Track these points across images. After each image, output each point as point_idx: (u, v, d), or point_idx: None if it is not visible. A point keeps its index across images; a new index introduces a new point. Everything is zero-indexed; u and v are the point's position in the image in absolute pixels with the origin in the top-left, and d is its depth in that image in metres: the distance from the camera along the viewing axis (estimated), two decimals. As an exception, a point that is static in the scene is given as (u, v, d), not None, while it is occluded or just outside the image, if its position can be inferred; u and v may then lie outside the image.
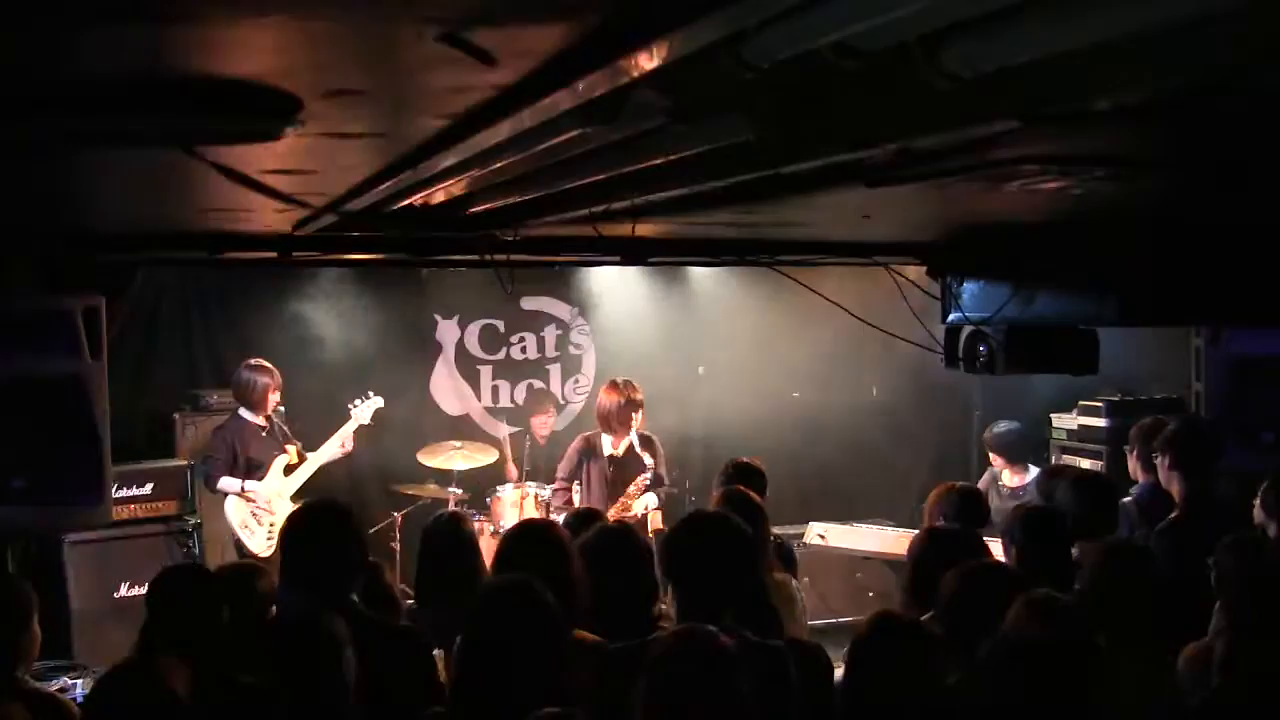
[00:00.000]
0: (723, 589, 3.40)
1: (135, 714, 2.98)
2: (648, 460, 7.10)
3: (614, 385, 7.34)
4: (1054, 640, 2.97)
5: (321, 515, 3.74)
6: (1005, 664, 2.93)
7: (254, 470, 7.05)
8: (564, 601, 3.30)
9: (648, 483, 7.11)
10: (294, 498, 7.00)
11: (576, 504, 7.14)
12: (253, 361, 7.20)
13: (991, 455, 7.29)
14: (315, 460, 7.24)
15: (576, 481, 7.40)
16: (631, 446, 7.17)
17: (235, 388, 7.20)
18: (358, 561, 3.72)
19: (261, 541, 6.95)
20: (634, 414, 7.16)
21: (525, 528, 4.26)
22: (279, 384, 7.17)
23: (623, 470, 7.21)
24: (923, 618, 3.66)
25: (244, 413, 7.13)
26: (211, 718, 3.17)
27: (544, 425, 8.40)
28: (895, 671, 3.07)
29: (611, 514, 6.93)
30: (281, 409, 7.54)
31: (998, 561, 4.14)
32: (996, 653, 3.03)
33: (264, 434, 7.15)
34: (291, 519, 3.82)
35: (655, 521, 7.25)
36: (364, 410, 7.44)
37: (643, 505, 7.18)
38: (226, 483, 7.00)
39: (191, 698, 3.02)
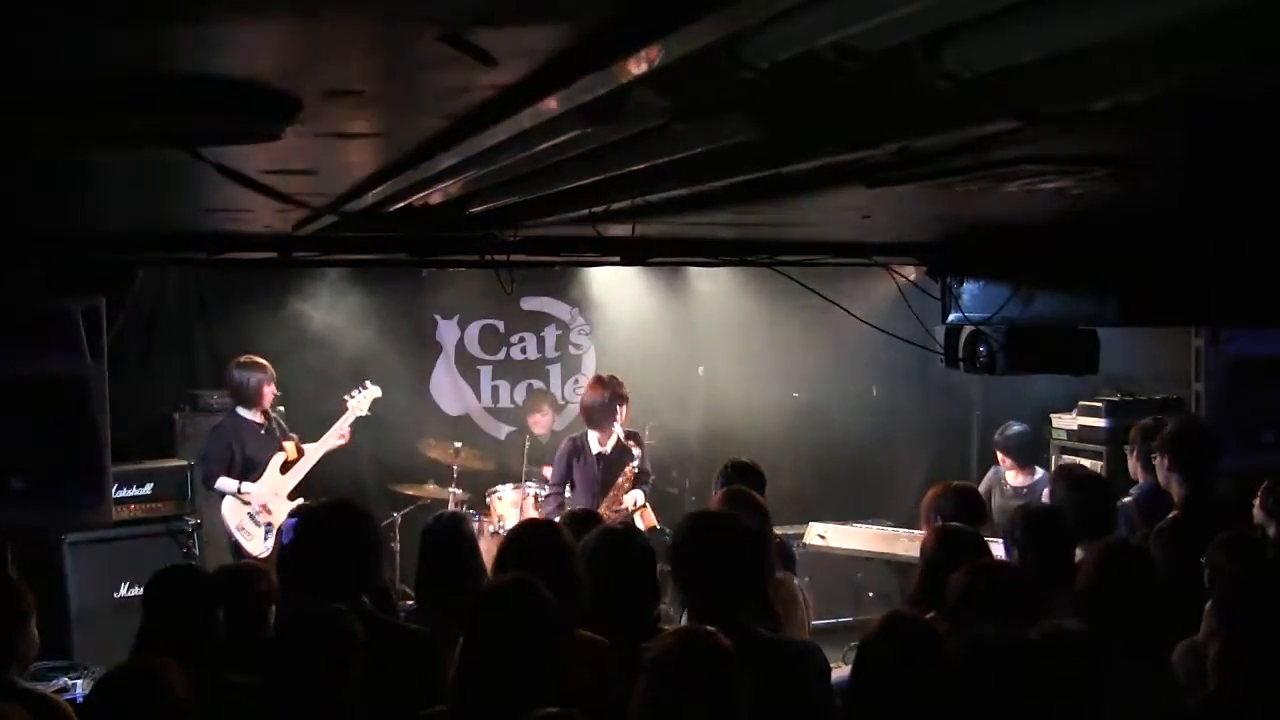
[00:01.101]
0: (733, 589, 3.42)
1: (134, 716, 2.98)
2: (635, 452, 7.08)
3: (599, 380, 7.30)
4: (1053, 640, 2.97)
5: (339, 515, 3.79)
6: (1006, 663, 2.93)
7: (251, 470, 7.01)
8: (565, 601, 3.31)
9: (635, 472, 7.08)
10: (290, 495, 6.99)
11: (566, 506, 7.11)
12: (243, 359, 7.15)
13: (1000, 456, 7.28)
14: (315, 452, 7.19)
15: (567, 484, 7.33)
16: (619, 443, 7.13)
17: (230, 387, 7.16)
18: (372, 562, 3.75)
19: (260, 544, 6.93)
20: (619, 408, 7.09)
21: (527, 527, 4.27)
22: (274, 377, 7.13)
23: (611, 468, 7.16)
24: (927, 616, 3.66)
25: (241, 411, 7.09)
26: (210, 719, 3.17)
27: (540, 424, 8.38)
28: (905, 672, 3.08)
29: (603, 510, 6.92)
30: (281, 409, 7.53)
31: (1006, 561, 4.15)
32: (997, 651, 3.03)
33: (262, 431, 7.11)
34: (309, 516, 3.84)
35: (647, 518, 7.23)
36: (361, 400, 7.39)
37: (631, 500, 7.14)
38: (224, 482, 6.96)
39: (191, 699, 3.02)
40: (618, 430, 7.11)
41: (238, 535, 6.96)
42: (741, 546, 3.52)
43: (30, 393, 4.91)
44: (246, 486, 6.97)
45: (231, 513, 6.98)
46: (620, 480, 7.06)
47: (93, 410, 4.97)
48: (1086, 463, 7.51)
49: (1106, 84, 1.80)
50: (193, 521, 7.28)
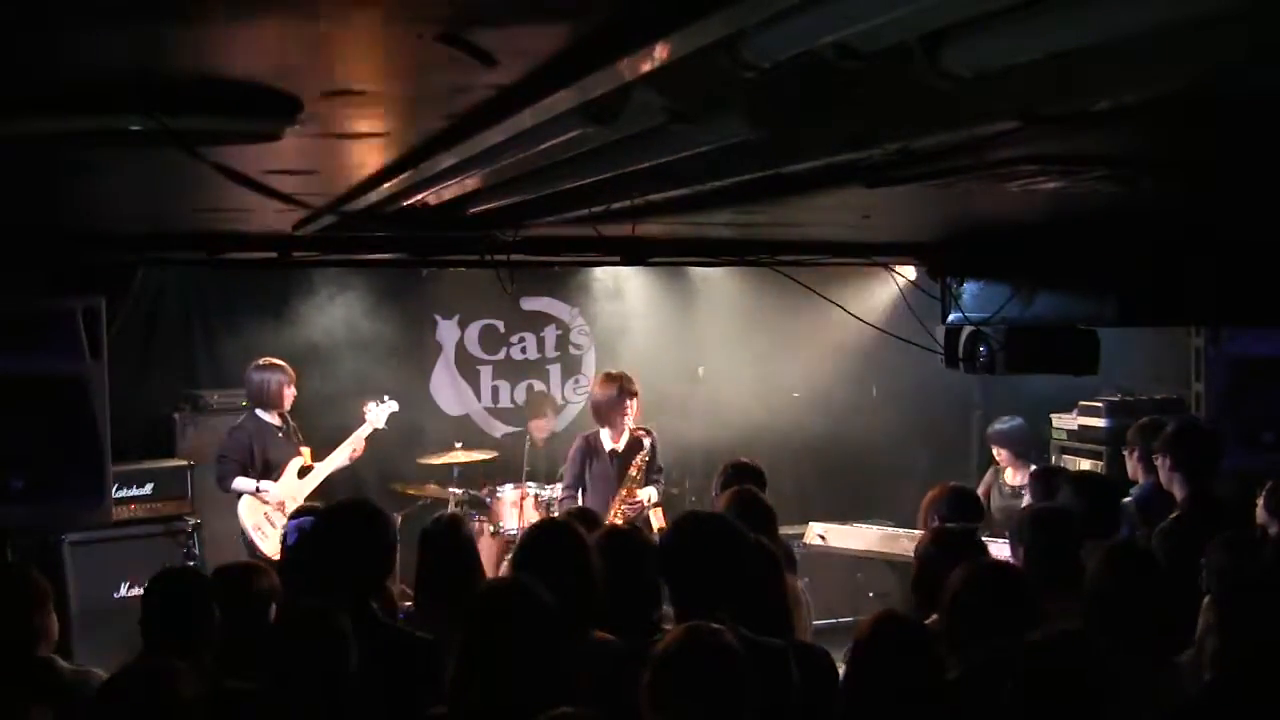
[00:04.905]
0: (717, 588, 3.41)
1: (140, 718, 2.97)
2: (645, 442, 7.00)
3: (608, 376, 7.22)
4: (1054, 641, 2.97)
5: (356, 515, 3.79)
6: (1007, 664, 2.93)
7: (270, 472, 6.96)
8: (582, 599, 3.30)
9: (646, 461, 6.98)
10: (307, 500, 6.95)
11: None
12: (262, 361, 7.13)
13: (995, 450, 7.24)
14: (324, 468, 7.18)
15: (581, 486, 7.20)
16: (632, 439, 7.07)
17: (249, 390, 7.10)
18: (384, 563, 3.75)
19: (274, 544, 6.80)
20: (628, 402, 7.01)
21: (544, 526, 4.24)
22: (293, 378, 7.09)
23: (626, 463, 7.06)
24: (928, 619, 3.66)
25: (260, 413, 7.04)
26: None
27: (541, 429, 8.36)
28: (897, 672, 3.07)
29: (616, 503, 6.85)
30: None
31: (1004, 561, 4.15)
32: (998, 653, 3.03)
33: (280, 434, 7.07)
34: (325, 516, 3.83)
35: (658, 519, 7.18)
36: (379, 414, 7.38)
37: (645, 495, 7.05)
38: (241, 482, 6.89)
39: (197, 702, 3.01)
40: (629, 425, 7.06)
41: (253, 535, 6.87)
42: (727, 548, 3.49)
43: (30, 393, 4.91)
44: (265, 485, 6.91)
45: (248, 512, 6.90)
46: (632, 471, 6.97)
47: (93, 410, 4.97)
48: (1086, 463, 7.51)
49: (1106, 84, 1.80)
50: (193, 521, 7.26)
